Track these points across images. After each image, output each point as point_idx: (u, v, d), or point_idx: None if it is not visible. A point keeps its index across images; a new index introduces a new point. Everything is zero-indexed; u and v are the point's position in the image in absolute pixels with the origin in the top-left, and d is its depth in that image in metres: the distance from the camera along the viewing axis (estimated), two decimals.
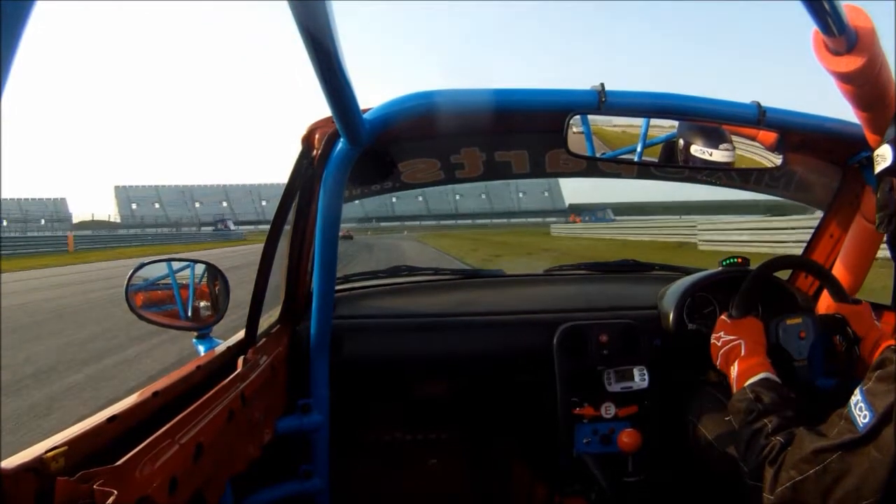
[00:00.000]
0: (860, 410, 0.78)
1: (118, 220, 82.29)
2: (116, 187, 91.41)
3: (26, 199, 79.70)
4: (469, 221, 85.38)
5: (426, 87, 1.05)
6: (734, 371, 1.07)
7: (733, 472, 1.12)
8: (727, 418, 1.23)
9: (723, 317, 1.19)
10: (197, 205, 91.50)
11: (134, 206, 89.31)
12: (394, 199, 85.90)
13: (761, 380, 1.02)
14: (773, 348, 1.16)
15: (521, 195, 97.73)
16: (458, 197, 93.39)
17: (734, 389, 1.05)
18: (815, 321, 1.20)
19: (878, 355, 0.83)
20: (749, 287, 1.23)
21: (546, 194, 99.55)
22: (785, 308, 1.35)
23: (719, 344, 1.14)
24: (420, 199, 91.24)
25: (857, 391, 0.80)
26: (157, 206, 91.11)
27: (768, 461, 0.89)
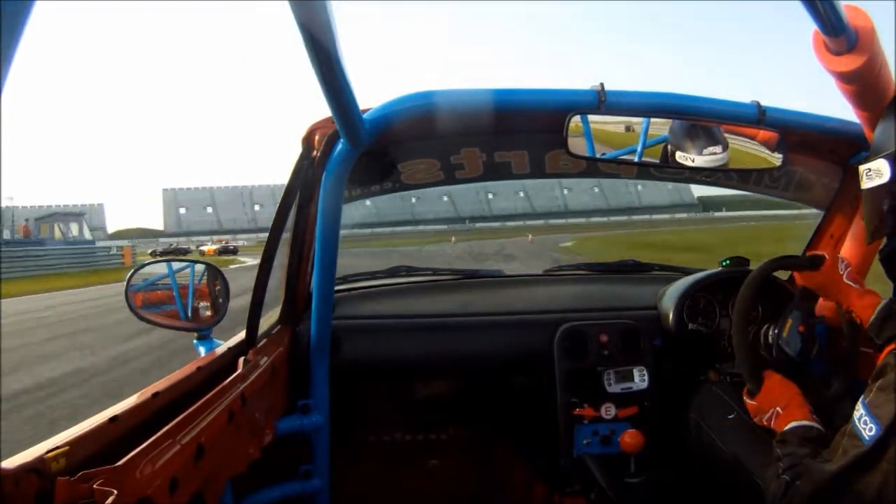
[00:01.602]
0: (865, 424, 0.77)
1: (162, 228, 74.74)
2: (164, 190, 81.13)
3: (61, 206, 69.63)
4: (582, 220, 67.19)
5: (426, 88, 1.05)
6: (775, 412, 1.06)
7: (736, 470, 1.12)
8: (730, 416, 1.23)
9: (747, 399, 1.14)
10: (209, 210, 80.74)
11: (182, 210, 79.69)
12: (444, 198, 71.24)
13: (787, 429, 1.01)
14: (793, 365, 1.15)
15: (639, 188, 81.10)
16: (566, 192, 77.94)
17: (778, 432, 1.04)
18: (800, 308, 1.19)
19: (880, 361, 0.82)
20: (747, 355, 1.16)
21: (671, 185, 79.65)
22: (782, 310, 1.35)
23: (766, 422, 1.10)
24: (492, 195, 72.80)
25: (859, 405, 0.80)
26: (209, 209, 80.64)
27: (779, 499, 0.88)
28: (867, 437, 0.76)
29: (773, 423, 1.06)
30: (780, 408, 1.05)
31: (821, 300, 1.43)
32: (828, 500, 0.80)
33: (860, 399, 0.80)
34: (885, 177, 0.84)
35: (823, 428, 0.98)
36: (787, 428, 1.00)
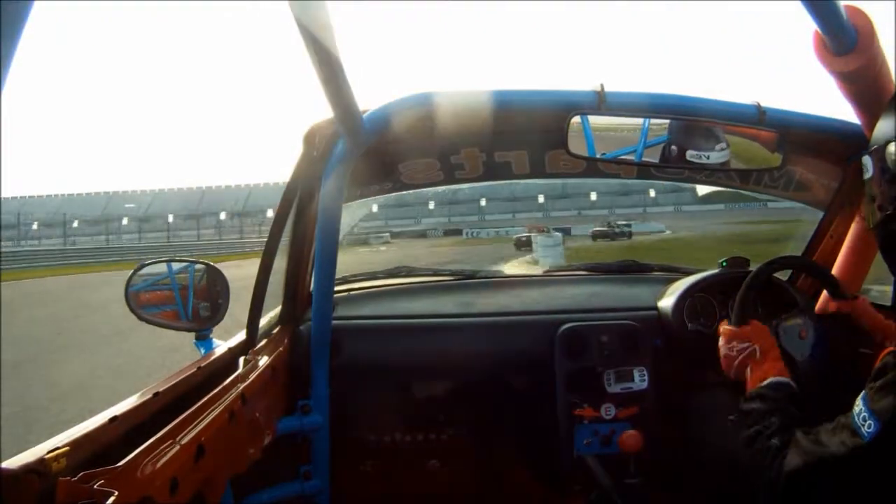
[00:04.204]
0: (864, 420, 0.78)
1: None
2: None
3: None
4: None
5: (426, 88, 1.05)
6: (748, 376, 1.05)
7: (735, 471, 1.12)
8: (731, 417, 1.23)
9: (725, 325, 1.16)
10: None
11: None
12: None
13: (770, 383, 1.00)
14: (793, 365, 1.15)
15: None
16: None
17: (748, 389, 1.04)
18: (815, 321, 1.19)
19: (879, 362, 0.83)
20: (745, 294, 1.19)
21: None
22: (785, 309, 1.35)
23: (734, 353, 1.10)
24: None
25: (858, 400, 0.80)
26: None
27: (765, 464, 0.88)
28: (866, 434, 0.77)
29: (748, 368, 1.06)
30: (760, 349, 1.06)
31: (820, 300, 1.43)
32: (815, 485, 0.81)
33: (860, 395, 0.81)
34: (870, 172, 0.88)
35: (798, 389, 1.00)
36: (766, 382, 1.00)
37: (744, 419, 0.99)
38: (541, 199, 63.95)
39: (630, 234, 25.41)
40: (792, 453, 0.85)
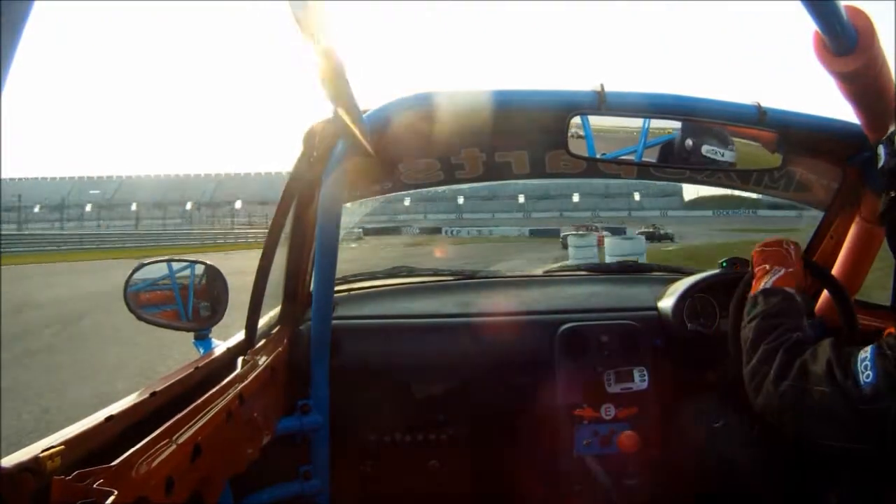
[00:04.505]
0: (865, 368, 0.81)
1: None
2: None
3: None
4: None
5: (426, 88, 1.05)
6: (778, 271, 1.10)
7: (732, 470, 1.12)
8: (715, 425, 1.23)
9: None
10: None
11: None
12: None
13: (794, 294, 1.06)
14: None
15: None
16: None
17: (762, 283, 1.09)
18: (818, 333, 1.18)
19: (887, 335, 0.85)
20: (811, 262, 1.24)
21: None
22: None
23: (784, 247, 1.14)
24: None
25: (868, 348, 0.82)
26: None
27: (784, 348, 0.92)
28: (863, 383, 0.80)
29: (778, 269, 1.11)
30: (796, 270, 1.11)
31: (820, 300, 1.42)
32: (814, 389, 0.84)
33: (870, 348, 0.83)
34: (882, 160, 0.90)
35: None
36: (792, 290, 1.06)
37: (757, 303, 1.04)
38: (521, 199, 63.61)
39: (673, 237, 26.45)
40: (819, 356, 0.87)
